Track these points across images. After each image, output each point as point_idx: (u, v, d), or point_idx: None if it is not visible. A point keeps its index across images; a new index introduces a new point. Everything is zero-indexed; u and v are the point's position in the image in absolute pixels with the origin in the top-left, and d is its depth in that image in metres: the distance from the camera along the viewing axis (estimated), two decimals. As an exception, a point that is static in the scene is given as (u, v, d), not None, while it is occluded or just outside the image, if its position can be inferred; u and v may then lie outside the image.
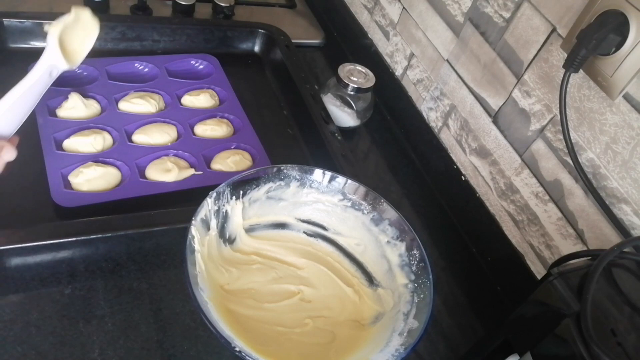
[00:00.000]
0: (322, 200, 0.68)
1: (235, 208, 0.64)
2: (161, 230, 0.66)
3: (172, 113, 0.81)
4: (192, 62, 0.91)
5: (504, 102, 0.74)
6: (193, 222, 0.57)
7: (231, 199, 0.63)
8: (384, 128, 0.97)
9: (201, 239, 0.58)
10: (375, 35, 1.03)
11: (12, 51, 0.84)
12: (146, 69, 0.87)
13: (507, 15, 0.72)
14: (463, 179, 0.83)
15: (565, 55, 0.59)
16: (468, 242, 0.82)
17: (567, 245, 0.67)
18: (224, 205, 0.62)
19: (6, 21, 0.82)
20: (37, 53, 0.84)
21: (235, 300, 0.60)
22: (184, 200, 0.69)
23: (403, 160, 0.93)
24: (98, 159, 0.71)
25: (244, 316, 0.59)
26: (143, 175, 0.72)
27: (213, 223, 0.61)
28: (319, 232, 0.70)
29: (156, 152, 0.74)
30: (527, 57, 0.70)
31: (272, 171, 0.66)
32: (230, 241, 0.65)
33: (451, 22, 0.83)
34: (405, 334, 0.57)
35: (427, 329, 0.55)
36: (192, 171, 0.73)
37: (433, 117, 0.90)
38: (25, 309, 0.57)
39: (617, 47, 0.55)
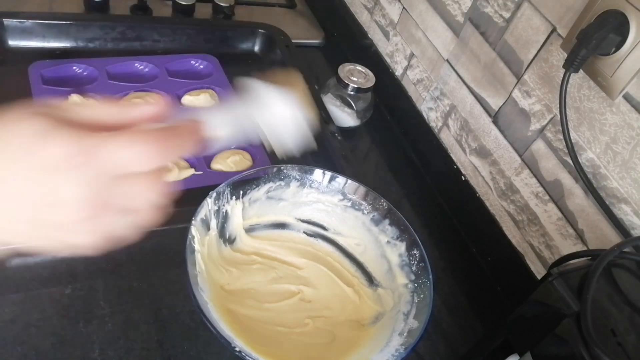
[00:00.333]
0: (322, 200, 0.68)
1: (235, 208, 0.64)
2: (161, 230, 0.66)
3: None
4: (192, 62, 0.91)
5: (504, 102, 0.74)
6: (193, 222, 0.57)
7: (231, 199, 0.63)
8: (384, 128, 0.97)
9: (201, 239, 0.58)
10: (375, 35, 1.03)
11: (12, 51, 0.84)
12: (146, 69, 0.87)
13: (507, 15, 0.72)
14: (463, 179, 0.83)
15: (565, 55, 0.59)
16: (468, 242, 0.82)
17: (567, 245, 0.67)
18: (224, 205, 0.62)
19: (6, 21, 0.82)
20: (37, 53, 0.85)
21: (236, 300, 0.60)
22: (184, 200, 0.69)
23: (403, 160, 0.93)
24: (98, 159, 0.71)
25: (244, 316, 0.59)
26: (143, 175, 0.71)
27: (213, 223, 0.61)
28: (319, 232, 0.70)
29: (156, 152, 0.74)
30: (527, 57, 0.70)
31: (272, 171, 0.66)
32: (230, 241, 0.65)
33: (451, 22, 0.83)
34: (405, 334, 0.57)
35: (427, 329, 0.55)
36: (192, 171, 0.73)
37: (433, 117, 0.90)
38: (25, 309, 0.57)
39: (617, 47, 0.55)
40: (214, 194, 0.60)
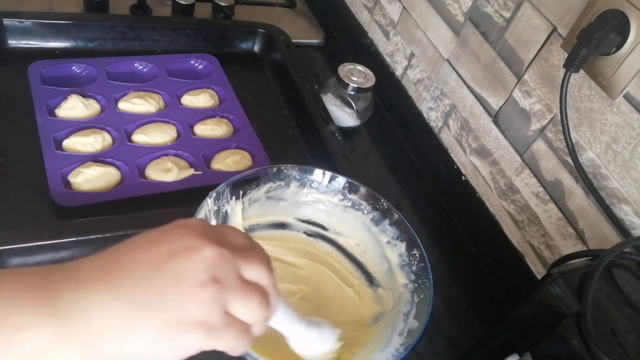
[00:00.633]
0: (322, 200, 0.68)
1: (235, 208, 0.64)
2: (161, 230, 0.66)
3: (171, 113, 0.81)
4: (191, 61, 0.91)
5: (505, 102, 0.74)
6: (193, 222, 0.57)
7: (231, 199, 0.63)
8: (384, 128, 0.97)
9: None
10: (375, 35, 1.03)
11: (12, 51, 0.84)
12: (146, 69, 0.87)
13: (507, 15, 0.72)
14: (463, 179, 0.83)
15: (566, 55, 0.59)
16: (468, 242, 0.82)
17: (567, 245, 0.67)
18: (224, 205, 0.62)
19: (6, 21, 0.82)
20: (37, 53, 0.85)
21: None
22: (184, 200, 0.69)
23: (403, 160, 0.93)
24: (98, 158, 0.71)
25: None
26: (143, 175, 0.71)
27: (213, 223, 0.61)
28: (319, 232, 0.70)
29: (156, 152, 0.74)
30: (528, 57, 0.69)
31: (272, 171, 0.66)
32: (230, 241, 0.65)
33: (451, 21, 0.83)
34: (405, 334, 0.56)
35: (427, 329, 0.55)
36: (192, 171, 0.73)
37: (433, 117, 0.90)
38: (24, 309, 0.57)
39: (618, 47, 0.55)
40: (214, 194, 0.60)
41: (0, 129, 0.72)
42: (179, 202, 0.69)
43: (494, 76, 0.76)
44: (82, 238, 0.62)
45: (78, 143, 0.72)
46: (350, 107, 0.90)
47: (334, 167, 0.75)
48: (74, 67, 0.82)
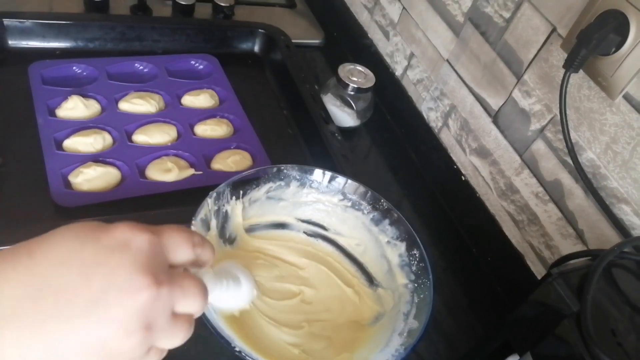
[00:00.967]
0: (322, 200, 0.68)
1: (235, 208, 0.64)
2: (161, 230, 0.66)
3: (172, 113, 0.81)
4: (192, 62, 0.91)
5: (504, 102, 0.74)
6: (193, 222, 0.57)
7: (231, 199, 0.63)
8: (384, 128, 0.97)
9: (201, 239, 0.58)
10: (375, 35, 1.03)
11: (12, 51, 0.84)
12: (146, 69, 0.87)
13: (507, 15, 0.72)
14: (463, 179, 0.83)
15: (565, 55, 0.59)
16: (468, 242, 0.82)
17: (567, 245, 0.67)
18: (224, 205, 0.62)
19: (6, 21, 0.82)
20: (37, 53, 0.85)
21: None
22: (184, 200, 0.69)
23: (403, 160, 0.93)
24: (98, 158, 0.71)
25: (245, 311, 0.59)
26: (143, 175, 0.72)
27: (213, 223, 0.61)
28: (319, 232, 0.70)
29: (156, 152, 0.74)
30: (527, 57, 0.70)
31: (272, 171, 0.66)
32: (230, 241, 0.65)
33: (451, 22, 0.83)
34: (405, 334, 0.57)
35: (427, 329, 0.55)
36: (192, 171, 0.73)
37: (433, 117, 0.90)
38: (25, 309, 0.57)
39: (617, 47, 0.55)
40: (214, 194, 0.60)
41: (1, 129, 0.72)
42: (179, 202, 0.69)
43: (494, 76, 0.76)
44: (82, 238, 0.62)
45: (78, 143, 0.72)
46: (350, 107, 0.90)
47: (334, 167, 0.75)
48: (74, 67, 0.82)
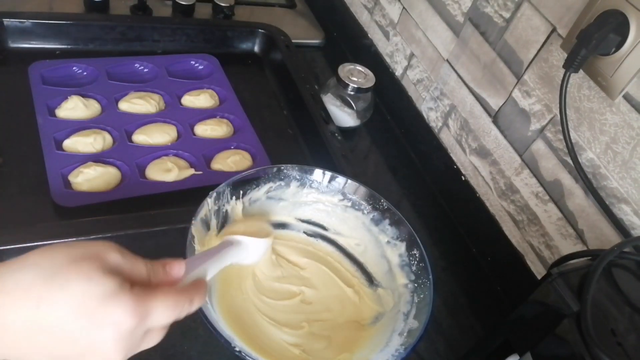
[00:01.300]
0: (322, 200, 0.68)
1: (235, 208, 0.64)
2: (161, 230, 0.66)
3: (172, 113, 0.81)
4: (192, 62, 0.92)
5: (504, 102, 0.74)
6: (193, 222, 0.57)
7: (231, 199, 0.63)
8: (384, 128, 0.97)
9: (201, 239, 0.58)
10: (375, 35, 1.03)
11: (12, 51, 0.84)
12: (146, 69, 0.87)
13: (507, 15, 0.72)
14: (463, 179, 0.83)
15: (565, 55, 0.59)
16: (468, 242, 0.82)
17: (567, 245, 0.67)
18: (224, 205, 0.62)
19: (6, 21, 0.82)
20: (37, 53, 0.85)
21: (236, 284, 0.61)
22: (184, 200, 0.69)
23: (403, 160, 0.93)
24: (98, 158, 0.71)
25: (243, 309, 0.59)
26: (143, 175, 0.72)
27: (213, 223, 0.61)
28: (319, 232, 0.70)
29: (156, 152, 0.74)
30: (527, 57, 0.70)
31: (272, 171, 0.66)
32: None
33: (451, 22, 0.83)
34: (405, 334, 0.57)
35: (427, 329, 0.55)
36: (192, 171, 0.73)
37: (433, 117, 0.90)
38: (25, 309, 0.57)
39: (617, 47, 0.55)
40: (214, 194, 0.60)
41: (1, 129, 0.72)
42: (179, 202, 0.69)
43: (494, 76, 0.76)
44: (82, 238, 0.62)
45: (78, 143, 0.72)
46: (350, 107, 0.90)
47: (334, 167, 0.75)
48: (74, 68, 0.83)
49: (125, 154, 0.73)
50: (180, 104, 0.83)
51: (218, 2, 1.02)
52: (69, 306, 0.34)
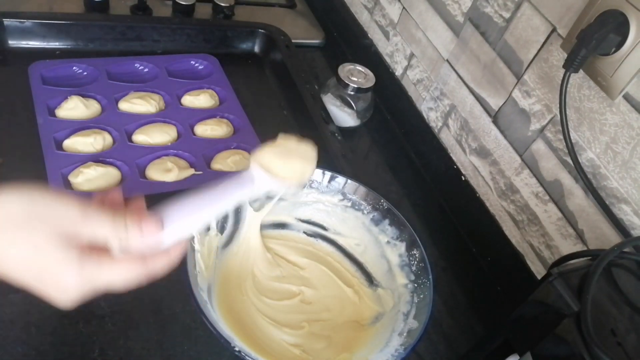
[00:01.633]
0: (322, 200, 0.68)
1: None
2: (161, 230, 0.66)
3: (172, 113, 0.81)
4: (192, 62, 0.92)
5: (504, 102, 0.74)
6: (193, 222, 0.57)
7: (231, 199, 0.63)
8: (384, 128, 0.97)
9: (201, 239, 0.58)
10: (375, 35, 1.03)
11: (12, 51, 0.84)
12: (146, 69, 0.87)
13: (507, 15, 0.72)
14: (463, 179, 0.83)
15: (565, 55, 0.59)
16: (468, 242, 0.82)
17: (567, 245, 0.67)
18: (224, 205, 0.62)
19: (6, 21, 0.82)
20: (37, 53, 0.85)
21: (236, 284, 0.61)
22: (184, 200, 0.69)
23: (403, 160, 0.93)
24: (98, 158, 0.71)
25: (244, 312, 0.59)
26: (143, 175, 0.72)
27: (213, 223, 0.61)
28: (319, 232, 0.70)
29: (156, 152, 0.74)
30: (527, 57, 0.70)
31: (272, 171, 0.65)
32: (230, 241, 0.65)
33: (451, 22, 0.83)
34: (405, 334, 0.57)
35: (427, 329, 0.55)
36: (192, 171, 0.73)
37: (433, 117, 0.90)
38: (25, 309, 0.57)
39: (617, 47, 0.55)
40: (214, 194, 0.60)
41: (1, 129, 0.72)
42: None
43: (494, 76, 0.76)
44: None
45: (78, 143, 0.72)
46: (350, 107, 0.90)
47: (334, 167, 0.75)
48: (74, 68, 0.83)
49: (125, 154, 0.73)
50: (180, 104, 0.83)
51: (218, 2, 1.02)
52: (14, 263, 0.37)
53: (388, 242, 0.65)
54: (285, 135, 0.51)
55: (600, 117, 0.61)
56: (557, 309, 0.43)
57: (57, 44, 0.87)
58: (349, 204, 0.67)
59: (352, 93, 0.89)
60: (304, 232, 0.70)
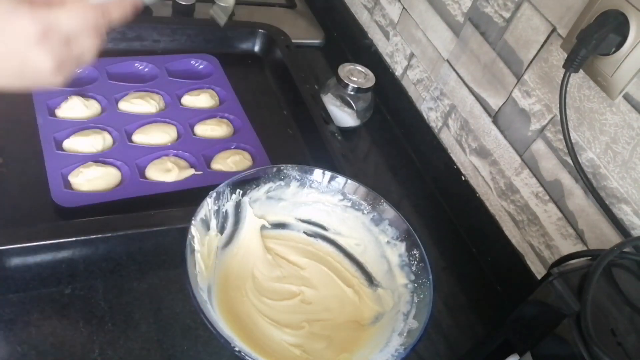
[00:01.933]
0: (322, 200, 0.68)
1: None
2: (161, 230, 0.66)
3: (172, 113, 0.81)
4: (192, 62, 0.91)
5: (504, 102, 0.74)
6: (193, 222, 0.57)
7: (231, 198, 0.63)
8: (384, 128, 0.97)
9: (201, 239, 0.58)
10: (375, 35, 1.03)
11: (12, 51, 0.84)
12: (146, 69, 0.87)
13: (507, 15, 0.72)
14: (463, 179, 0.83)
15: (565, 55, 0.59)
16: (468, 242, 0.82)
17: (567, 245, 0.67)
18: (224, 205, 0.62)
19: (6, 21, 0.82)
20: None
21: (236, 285, 0.61)
22: (184, 200, 0.69)
23: (403, 160, 0.93)
24: (98, 159, 0.71)
25: (244, 312, 0.59)
26: (143, 175, 0.72)
27: (213, 223, 0.61)
28: (319, 232, 0.70)
29: (156, 152, 0.74)
30: (527, 57, 0.70)
31: (272, 171, 0.66)
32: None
33: (451, 22, 0.83)
34: (405, 334, 0.57)
35: (426, 329, 0.55)
36: (192, 171, 0.73)
37: (433, 117, 0.90)
38: (25, 309, 0.57)
39: (617, 47, 0.55)
40: (214, 194, 0.60)
41: (1, 129, 0.72)
42: (179, 202, 0.69)
43: (494, 76, 0.76)
44: (82, 238, 0.62)
45: (78, 143, 0.72)
46: (350, 107, 0.90)
47: (334, 167, 0.75)
48: (74, 68, 0.82)
49: (125, 154, 0.73)
50: (180, 104, 0.83)
51: (218, 2, 1.02)
52: None
53: (388, 242, 0.65)
54: None
55: (600, 117, 0.61)
56: (557, 309, 0.43)
57: (57, 44, 0.87)
58: (349, 204, 0.67)
59: (352, 93, 0.89)
60: (304, 232, 0.70)
